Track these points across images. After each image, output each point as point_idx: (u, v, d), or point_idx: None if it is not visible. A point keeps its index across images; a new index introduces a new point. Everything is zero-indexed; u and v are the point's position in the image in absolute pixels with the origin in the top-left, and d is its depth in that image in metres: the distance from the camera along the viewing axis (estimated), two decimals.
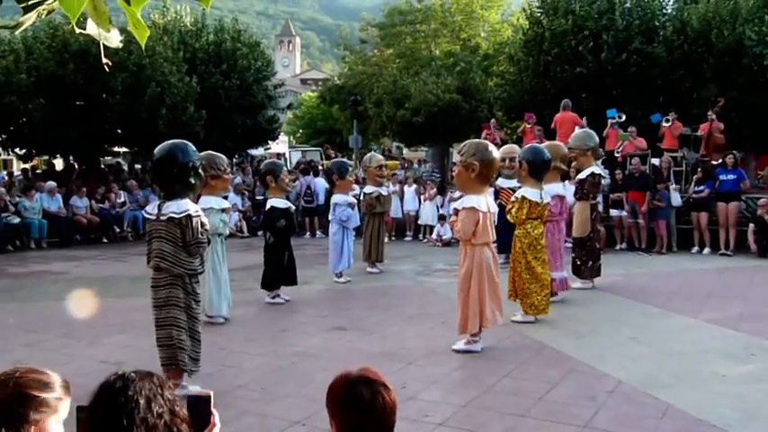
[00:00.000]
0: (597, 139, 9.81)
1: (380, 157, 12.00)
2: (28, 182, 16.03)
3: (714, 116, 14.37)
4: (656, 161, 14.60)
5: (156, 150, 5.27)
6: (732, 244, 12.54)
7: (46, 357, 6.02)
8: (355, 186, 11.87)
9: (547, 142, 9.73)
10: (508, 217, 7.52)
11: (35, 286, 10.28)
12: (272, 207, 8.69)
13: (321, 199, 16.09)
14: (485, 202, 6.24)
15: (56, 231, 15.15)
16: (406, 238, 15.82)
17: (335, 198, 10.32)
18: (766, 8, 15.48)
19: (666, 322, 7.44)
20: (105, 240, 15.72)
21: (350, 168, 10.93)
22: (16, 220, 14.37)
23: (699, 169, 13.55)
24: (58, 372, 2.05)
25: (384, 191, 11.21)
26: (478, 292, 6.16)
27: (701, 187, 13.00)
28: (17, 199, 14.69)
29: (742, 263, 11.64)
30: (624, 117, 15.19)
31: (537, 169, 7.42)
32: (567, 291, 8.68)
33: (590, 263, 9.32)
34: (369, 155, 12.09)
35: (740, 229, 12.62)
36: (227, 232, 8.10)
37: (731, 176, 12.81)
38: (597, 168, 9.42)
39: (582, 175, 9.28)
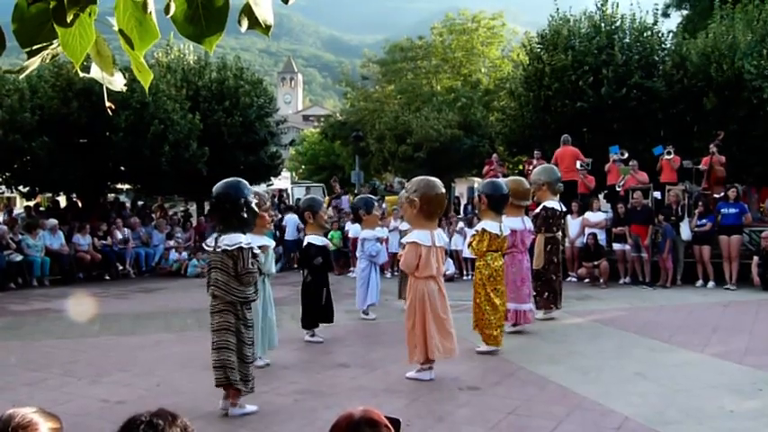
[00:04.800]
0: (557, 174, 9.83)
1: None
2: (31, 219, 16.04)
3: (715, 149, 14.42)
4: (657, 194, 14.63)
5: (214, 189, 5.81)
6: (735, 277, 12.49)
7: (47, 397, 5.97)
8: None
9: (512, 177, 9.78)
10: (468, 250, 7.65)
11: (36, 324, 10.23)
12: (309, 244, 8.62)
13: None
14: (429, 236, 6.38)
15: (58, 269, 15.14)
16: None
17: (363, 234, 10.36)
18: (764, 42, 15.62)
19: (672, 357, 7.38)
20: (107, 278, 15.71)
21: (376, 204, 10.85)
22: (19, 257, 14.36)
23: (700, 203, 13.55)
24: (57, 411, 2.04)
25: None
26: (422, 324, 6.34)
27: (703, 221, 12.99)
28: (20, 237, 14.70)
29: (746, 296, 11.58)
30: (627, 155, 15.23)
31: (496, 203, 7.60)
32: (529, 323, 8.71)
33: (545, 294, 9.42)
34: None
35: (743, 262, 12.58)
36: (272, 271, 7.62)
37: (733, 210, 12.80)
38: (551, 203, 9.44)
39: (537, 210, 9.41)
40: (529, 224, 8.69)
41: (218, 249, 5.57)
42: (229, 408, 5.52)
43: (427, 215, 6.44)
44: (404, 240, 6.66)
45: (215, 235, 5.78)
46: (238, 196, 5.67)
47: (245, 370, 5.57)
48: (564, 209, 10.06)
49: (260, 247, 7.36)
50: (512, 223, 8.34)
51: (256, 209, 5.93)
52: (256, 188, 8.63)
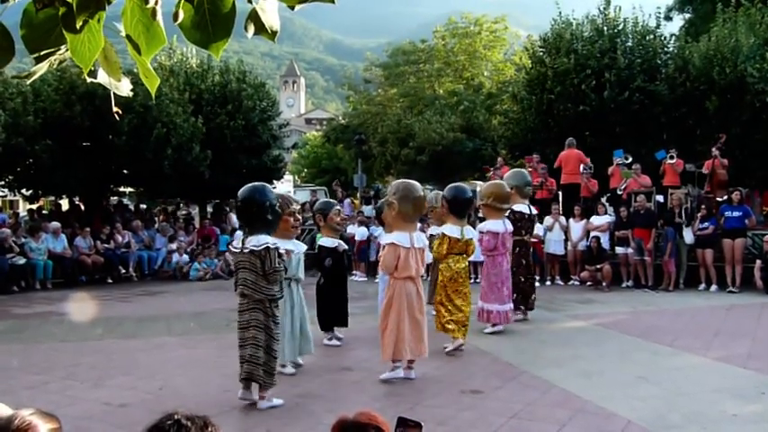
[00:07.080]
0: (527, 178, 10.02)
1: None
2: (34, 223, 16.05)
3: (718, 152, 14.40)
4: (660, 198, 14.61)
5: (240, 192, 6.11)
6: (738, 281, 12.48)
7: (49, 400, 5.97)
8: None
9: (491, 181, 9.83)
10: (431, 253, 7.87)
11: (39, 327, 10.23)
12: (319, 246, 8.63)
13: None
14: (407, 238, 6.55)
15: (61, 272, 15.15)
16: None
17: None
18: (767, 46, 15.60)
19: (675, 361, 7.38)
20: (110, 281, 15.72)
21: None
22: (22, 260, 14.38)
23: (702, 206, 13.53)
24: (59, 414, 2.04)
25: None
26: (397, 322, 6.46)
27: (706, 224, 12.98)
28: (23, 240, 14.72)
29: (749, 300, 11.57)
30: (631, 159, 15.19)
31: (457, 207, 7.85)
32: (509, 323, 8.99)
33: (514, 295, 9.44)
34: (433, 194, 10.97)
35: (746, 265, 12.57)
36: (298, 276, 7.34)
37: (737, 213, 12.80)
38: (519, 206, 9.53)
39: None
40: (510, 226, 8.86)
41: (246, 250, 5.87)
42: (258, 401, 5.84)
43: (406, 217, 6.61)
44: (382, 242, 6.88)
45: (241, 237, 6.12)
46: (264, 199, 5.98)
47: (272, 363, 5.90)
48: (533, 212, 10.11)
49: (285, 252, 7.30)
50: (492, 226, 8.64)
51: (280, 211, 6.22)
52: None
